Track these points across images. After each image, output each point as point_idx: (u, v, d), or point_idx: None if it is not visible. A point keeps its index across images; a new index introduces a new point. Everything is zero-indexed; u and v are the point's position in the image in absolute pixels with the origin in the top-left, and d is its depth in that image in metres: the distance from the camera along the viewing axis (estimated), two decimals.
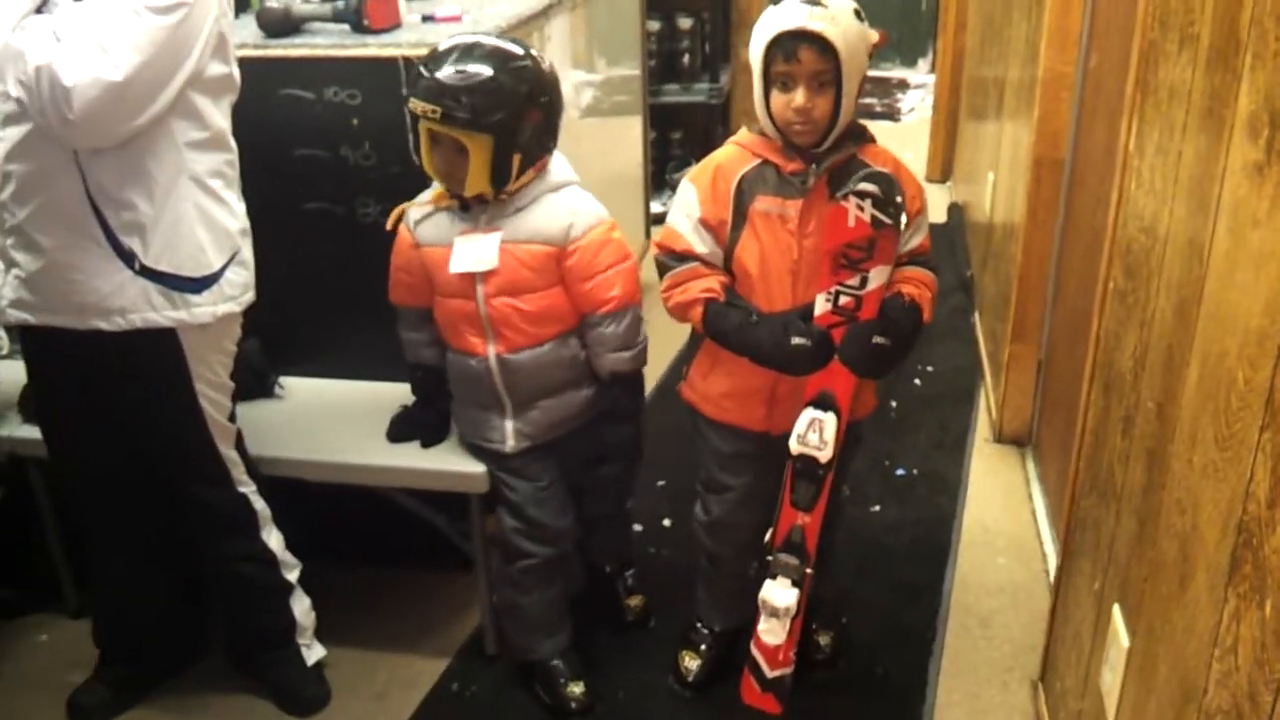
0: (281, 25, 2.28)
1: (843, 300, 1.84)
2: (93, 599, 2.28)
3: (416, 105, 1.86)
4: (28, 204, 1.77)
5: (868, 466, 2.88)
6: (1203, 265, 1.32)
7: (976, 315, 3.72)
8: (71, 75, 1.61)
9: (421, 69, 1.88)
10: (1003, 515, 2.78)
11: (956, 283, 4.00)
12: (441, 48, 1.91)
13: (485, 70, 1.87)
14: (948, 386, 3.37)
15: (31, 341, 1.96)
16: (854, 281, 1.82)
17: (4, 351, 2.15)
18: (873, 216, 1.77)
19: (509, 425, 2.09)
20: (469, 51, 1.89)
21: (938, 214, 4.61)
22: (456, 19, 2.40)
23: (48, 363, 1.97)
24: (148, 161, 1.78)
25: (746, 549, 2.09)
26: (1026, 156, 2.80)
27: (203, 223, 1.86)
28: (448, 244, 2.00)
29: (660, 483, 2.84)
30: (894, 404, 3.23)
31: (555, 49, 2.95)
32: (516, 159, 1.93)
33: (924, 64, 7.02)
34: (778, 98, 1.82)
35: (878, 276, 1.82)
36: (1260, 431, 1.08)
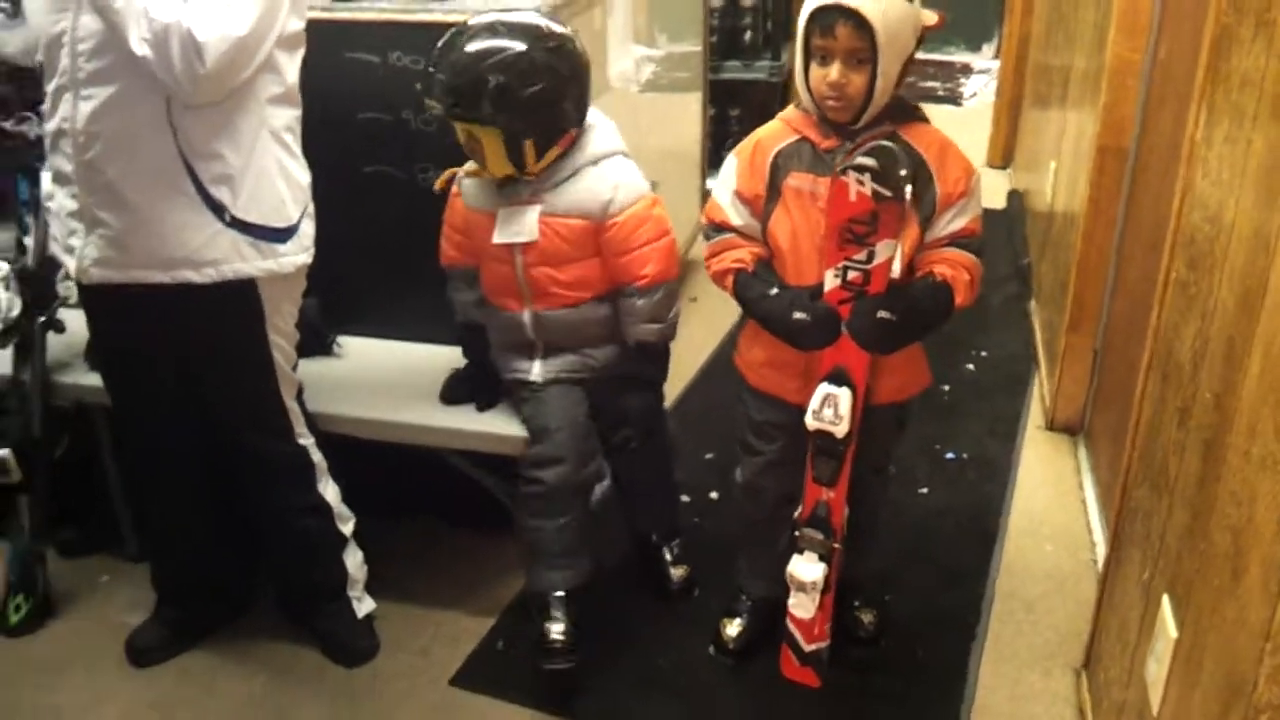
0: None
1: (851, 275, 1.84)
2: (150, 544, 2.35)
3: (428, 103, 1.94)
4: (117, 162, 1.80)
5: (917, 449, 2.88)
6: (1268, 257, 1.30)
7: (1033, 303, 3.69)
8: (204, 31, 1.66)
9: (436, 56, 1.93)
10: (1052, 503, 2.76)
11: (1013, 270, 3.97)
12: (450, 37, 1.94)
13: (490, 65, 1.90)
14: (1002, 373, 3.35)
15: (98, 298, 1.99)
16: (860, 256, 1.81)
17: (72, 300, 2.20)
18: (873, 190, 1.75)
19: (537, 364, 2.16)
20: (465, 48, 1.92)
21: (997, 200, 4.58)
22: None
23: (117, 318, 2.00)
24: (235, 115, 1.82)
25: (779, 517, 2.11)
26: (1090, 145, 2.77)
27: (282, 175, 1.92)
28: (490, 211, 2.07)
29: (708, 455, 2.86)
30: (946, 388, 3.22)
31: (616, 23, 2.96)
32: (529, 144, 1.97)
33: (988, 49, 6.93)
34: (815, 71, 1.82)
35: (884, 250, 1.80)
36: None
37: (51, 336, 2.31)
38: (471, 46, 1.91)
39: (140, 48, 1.66)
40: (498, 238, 2.05)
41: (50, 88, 1.82)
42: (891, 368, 1.96)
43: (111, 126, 1.78)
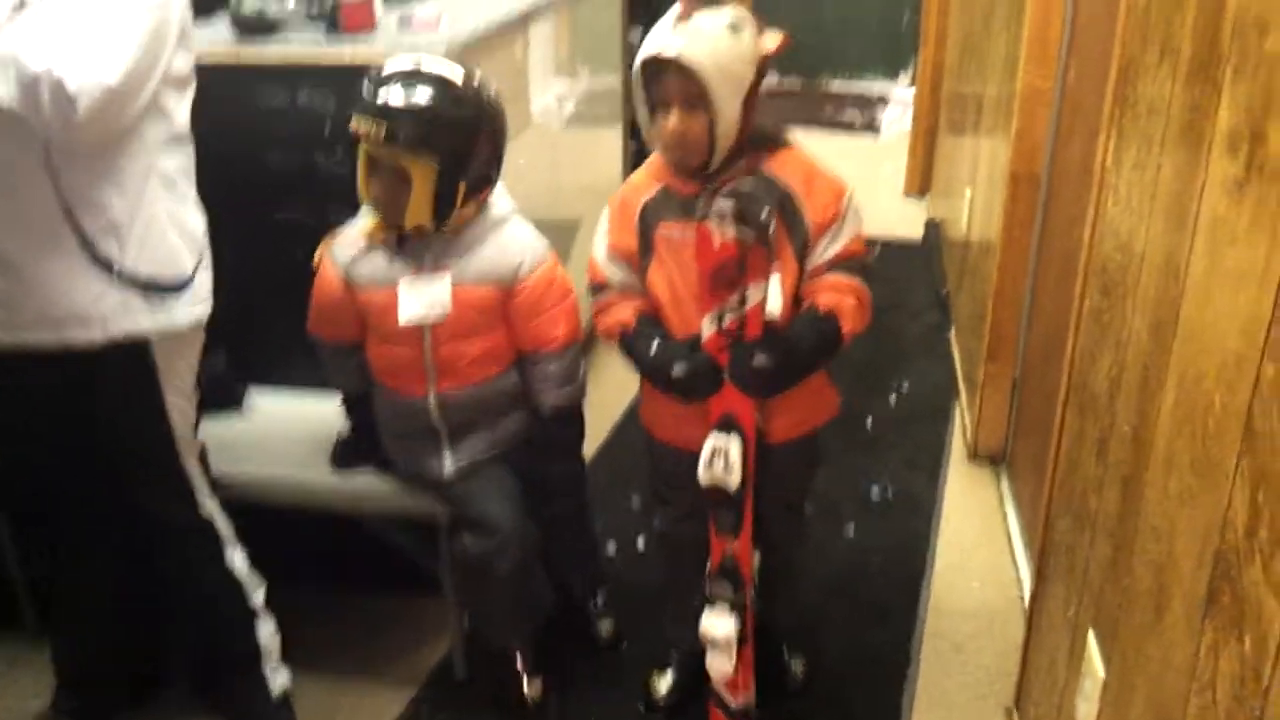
0: (254, 26, 2.24)
1: (727, 321, 1.79)
2: (50, 620, 2.22)
3: (359, 124, 1.80)
4: (2, 226, 1.69)
5: (840, 484, 2.85)
6: (1179, 284, 1.29)
7: (952, 333, 3.70)
8: (74, 79, 1.55)
9: (365, 87, 1.82)
10: (978, 537, 2.74)
11: (932, 300, 3.98)
12: (386, 70, 1.85)
13: (432, 92, 1.82)
14: (923, 404, 3.34)
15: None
16: (733, 300, 1.77)
17: None
18: (736, 234, 1.71)
19: (446, 454, 2.05)
20: (415, 74, 1.84)
21: (915, 230, 4.60)
22: (433, 24, 2.36)
23: (2, 384, 1.87)
24: (119, 160, 1.72)
25: (700, 567, 2.04)
26: (1004, 172, 2.78)
27: (174, 224, 1.81)
28: (388, 286, 1.94)
29: (633, 504, 2.80)
30: (869, 421, 3.20)
31: (535, 57, 2.92)
32: (461, 188, 1.87)
33: (904, 78, 7.02)
34: (657, 120, 1.78)
35: (756, 293, 1.76)
36: (1238, 458, 1.04)
37: None
38: (409, 79, 1.82)
39: (9, 97, 1.56)
40: (405, 317, 1.92)
41: None
42: (786, 404, 1.90)
43: None
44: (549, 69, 3.11)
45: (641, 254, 1.88)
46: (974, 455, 3.04)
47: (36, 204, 1.69)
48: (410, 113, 1.80)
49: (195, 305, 1.86)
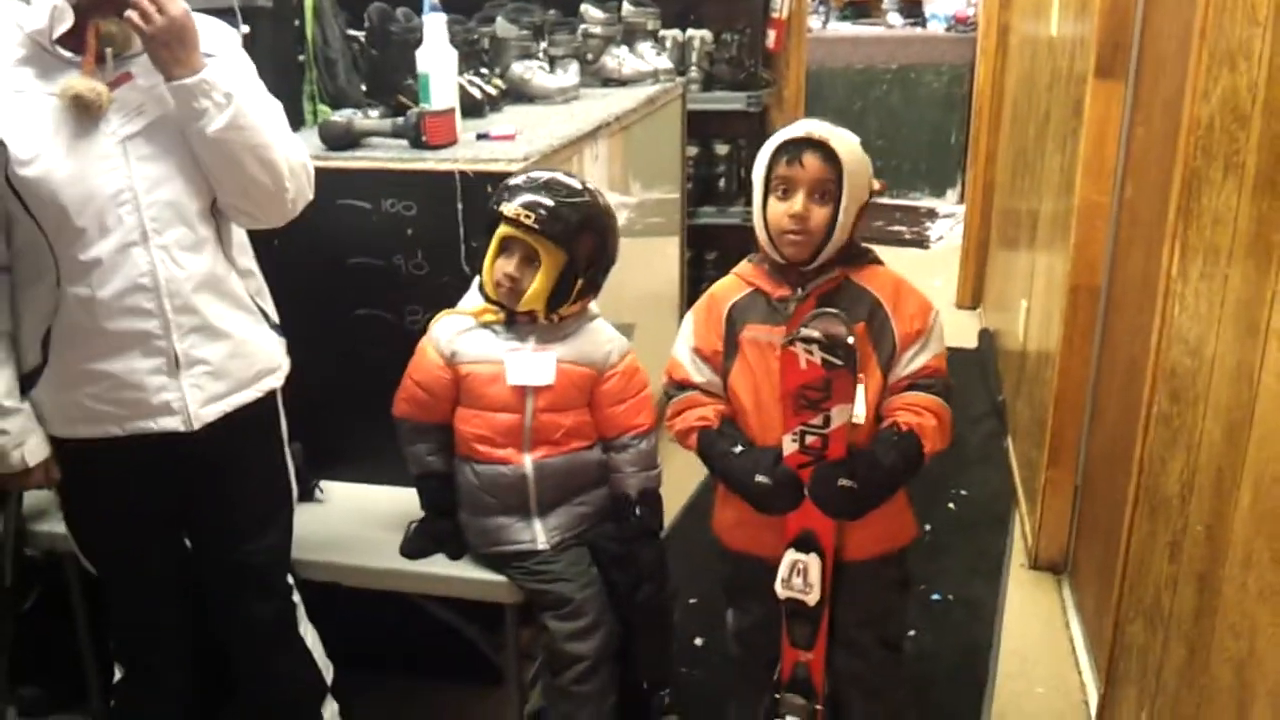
0: (342, 139, 2.37)
1: (809, 440, 1.82)
2: (118, 701, 2.25)
3: (509, 209, 1.98)
4: (208, 302, 1.85)
5: None
6: (1252, 389, 1.33)
7: (1010, 440, 3.72)
8: (310, 162, 1.93)
9: (518, 182, 2.03)
10: (1040, 643, 2.73)
11: (988, 408, 4.01)
12: (532, 173, 2.07)
13: (578, 197, 2.04)
14: (982, 511, 3.35)
15: (94, 447, 1.88)
16: (817, 421, 1.80)
17: None
18: (822, 359, 1.76)
19: (538, 524, 2.12)
20: (560, 181, 2.05)
21: (968, 340, 4.65)
22: (510, 138, 2.49)
23: (113, 469, 1.93)
24: (246, 235, 1.98)
25: (769, 671, 2.03)
26: (1062, 284, 2.84)
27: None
28: (492, 360, 2.07)
29: (692, 600, 2.81)
30: (929, 528, 3.21)
31: (601, 170, 3.04)
32: (578, 284, 2.05)
33: (952, 194, 7.15)
34: (775, 206, 1.83)
35: (840, 415, 1.80)
36: None
37: None
38: (557, 182, 2.04)
39: (287, 182, 1.83)
40: (514, 379, 2.05)
41: (96, 252, 1.75)
42: (866, 520, 1.89)
43: (195, 267, 1.83)
44: (613, 180, 3.23)
45: (726, 355, 1.92)
46: (1035, 563, 3.03)
47: (226, 278, 1.90)
48: (555, 208, 1.99)
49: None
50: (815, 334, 1.75)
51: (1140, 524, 1.88)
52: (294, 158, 1.86)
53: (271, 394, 2.01)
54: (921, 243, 6.35)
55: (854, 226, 1.85)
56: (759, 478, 1.84)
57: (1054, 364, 2.89)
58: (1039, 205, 3.47)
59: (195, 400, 1.86)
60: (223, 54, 1.81)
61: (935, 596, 2.90)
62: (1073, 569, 2.95)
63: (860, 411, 1.81)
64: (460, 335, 2.09)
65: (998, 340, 4.39)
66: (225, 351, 1.89)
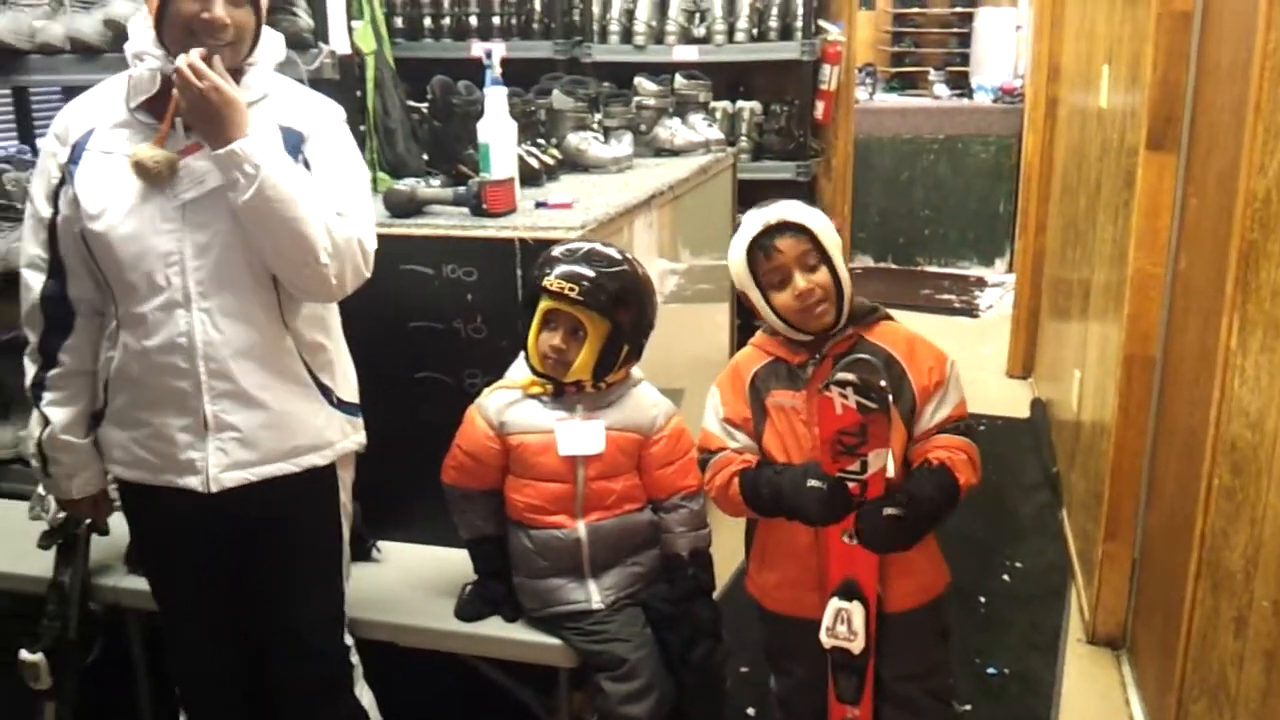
0: (406, 207, 2.43)
1: (850, 486, 1.85)
2: None
3: (553, 283, 2.01)
4: (244, 367, 1.87)
5: (957, 663, 2.80)
6: None
7: (1064, 512, 3.68)
8: (370, 240, 1.92)
9: (557, 255, 2.06)
10: None
11: (1042, 479, 3.98)
12: (571, 245, 2.10)
13: (616, 267, 2.06)
14: (1037, 584, 3.31)
15: (168, 505, 1.95)
16: (854, 467, 1.84)
17: (117, 504, 2.21)
18: (858, 403, 1.79)
19: (592, 585, 2.13)
20: (600, 251, 2.08)
21: (1020, 409, 4.63)
22: (567, 206, 2.54)
23: (187, 522, 1.97)
24: (327, 309, 2.00)
25: None
26: (1116, 354, 2.82)
27: (349, 357, 2.07)
28: (542, 430, 2.10)
29: (743, 669, 2.80)
30: (983, 600, 3.17)
31: (654, 238, 3.08)
32: (624, 351, 2.08)
33: (1000, 263, 7.15)
34: (780, 297, 1.91)
35: (877, 460, 1.83)
36: None
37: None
38: (597, 254, 2.07)
39: (324, 260, 1.81)
40: (565, 449, 2.08)
41: (145, 307, 1.85)
42: (903, 569, 1.93)
43: (237, 334, 1.86)
44: (665, 248, 3.28)
45: (756, 421, 1.98)
46: (1092, 638, 2.98)
47: (278, 350, 1.91)
48: (597, 279, 2.03)
49: (363, 428, 2.08)
50: (850, 377, 1.79)
51: (1203, 599, 1.86)
52: (341, 234, 1.84)
53: (317, 469, 1.98)
54: (971, 311, 6.35)
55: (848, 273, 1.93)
56: (812, 482, 1.86)
57: (1109, 435, 2.86)
58: (1091, 275, 3.46)
59: (217, 464, 1.89)
60: (316, 130, 1.91)
61: (991, 670, 2.86)
62: (1132, 644, 2.89)
63: (890, 469, 1.85)
64: (509, 407, 2.13)
65: (1050, 410, 4.36)
66: (259, 421, 1.89)
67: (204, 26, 1.77)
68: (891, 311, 2.03)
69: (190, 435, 1.89)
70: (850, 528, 1.88)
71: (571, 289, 2.01)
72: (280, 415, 1.91)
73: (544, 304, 2.05)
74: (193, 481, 1.90)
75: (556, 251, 2.08)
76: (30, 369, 1.97)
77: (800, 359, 1.94)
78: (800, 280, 1.88)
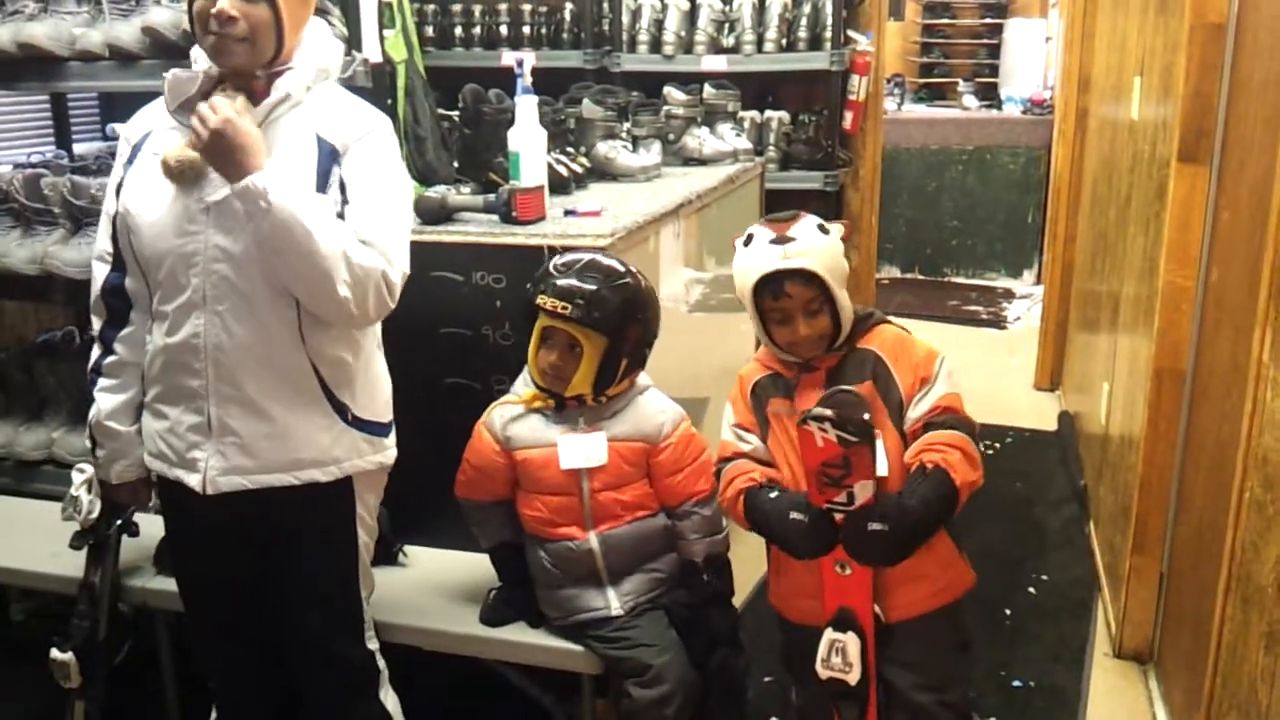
0: (436, 214, 2.45)
1: (836, 518, 1.86)
2: None
3: (547, 301, 2.01)
4: (253, 374, 1.88)
5: (982, 676, 2.80)
6: None
7: (1092, 525, 3.65)
8: (396, 273, 1.88)
9: (552, 271, 2.05)
10: None
11: (1069, 492, 3.95)
12: (568, 259, 2.08)
13: (610, 280, 2.05)
14: (1063, 597, 3.29)
15: (191, 502, 1.96)
16: (841, 499, 1.84)
17: (154, 506, 2.24)
18: (838, 436, 1.80)
19: (610, 591, 2.14)
20: (594, 264, 2.07)
21: (1048, 422, 4.60)
22: (596, 214, 2.55)
23: (206, 520, 1.99)
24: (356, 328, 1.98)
25: None
26: (1146, 367, 2.81)
27: (383, 375, 2.06)
28: (546, 444, 2.10)
29: (767, 679, 2.79)
30: (1008, 612, 3.16)
31: (681, 247, 3.09)
32: (623, 364, 2.08)
33: (1029, 275, 7.12)
34: (779, 330, 1.93)
35: (863, 491, 1.83)
36: None
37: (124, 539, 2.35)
38: (590, 267, 2.06)
39: (341, 290, 1.80)
40: (566, 463, 2.08)
41: (170, 305, 1.89)
42: (907, 576, 1.91)
43: (247, 341, 1.87)
44: (692, 256, 3.28)
45: (761, 428, 2.02)
46: (1119, 651, 2.96)
47: (289, 363, 1.90)
48: (592, 294, 2.01)
49: (392, 447, 2.07)
50: (827, 413, 1.80)
51: (1233, 614, 1.84)
52: (362, 265, 1.82)
53: (323, 484, 1.95)
54: (998, 323, 6.32)
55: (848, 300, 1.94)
56: (793, 514, 1.88)
57: (1138, 449, 2.85)
58: (1120, 288, 3.44)
59: (215, 467, 1.91)
60: (356, 144, 1.90)
61: (1016, 683, 2.85)
62: (1159, 659, 2.87)
63: (882, 467, 1.85)
64: (513, 422, 2.14)
65: (1078, 423, 4.33)
66: (261, 431, 1.90)
67: (214, 20, 1.79)
68: (917, 323, 2.04)
69: (197, 435, 1.92)
70: (842, 558, 1.89)
71: (564, 307, 2.00)
72: (285, 427, 1.91)
73: (540, 320, 2.05)
74: (193, 480, 1.93)
75: (553, 265, 2.07)
76: (93, 354, 2.05)
77: (792, 373, 1.98)
78: (802, 327, 1.90)
